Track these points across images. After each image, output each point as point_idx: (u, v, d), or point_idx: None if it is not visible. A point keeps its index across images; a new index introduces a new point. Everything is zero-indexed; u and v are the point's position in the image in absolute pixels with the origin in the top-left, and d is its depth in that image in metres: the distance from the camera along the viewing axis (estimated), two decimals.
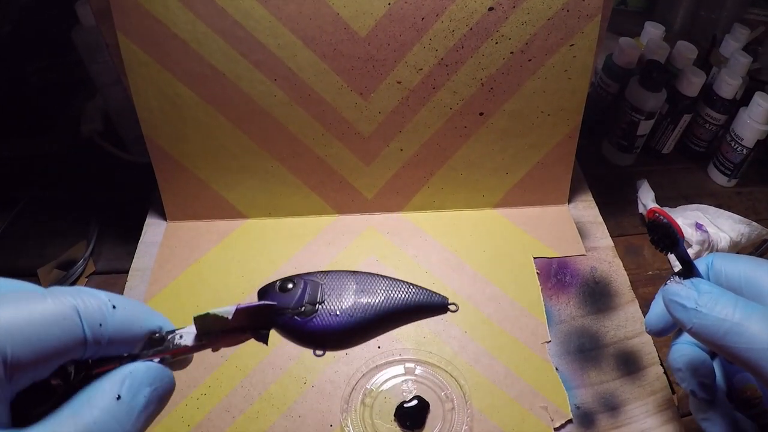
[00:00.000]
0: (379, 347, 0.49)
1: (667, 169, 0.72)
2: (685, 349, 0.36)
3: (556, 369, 0.49)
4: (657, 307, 0.37)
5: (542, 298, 0.54)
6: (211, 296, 0.53)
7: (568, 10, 0.51)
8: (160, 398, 0.24)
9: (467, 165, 0.58)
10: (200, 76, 0.52)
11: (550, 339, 0.51)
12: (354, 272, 0.30)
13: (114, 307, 0.23)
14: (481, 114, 0.55)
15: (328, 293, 0.28)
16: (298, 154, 0.56)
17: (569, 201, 0.62)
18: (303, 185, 0.57)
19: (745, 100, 0.67)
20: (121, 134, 0.67)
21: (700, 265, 0.35)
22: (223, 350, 0.49)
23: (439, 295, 0.30)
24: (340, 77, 0.52)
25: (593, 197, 0.64)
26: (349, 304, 0.28)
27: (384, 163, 0.57)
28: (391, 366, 0.48)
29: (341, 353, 0.49)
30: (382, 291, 0.29)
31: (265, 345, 0.27)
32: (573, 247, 0.58)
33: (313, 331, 0.27)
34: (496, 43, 0.52)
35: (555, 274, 0.56)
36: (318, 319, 0.27)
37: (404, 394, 0.46)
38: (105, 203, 0.63)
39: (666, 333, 0.37)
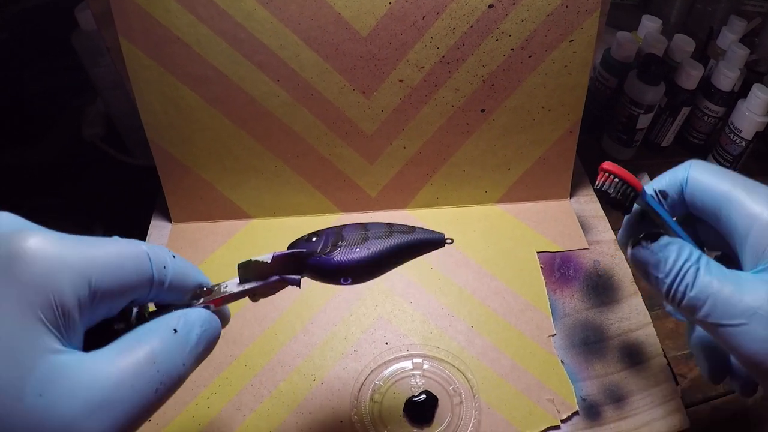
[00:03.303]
0: (386, 343, 0.50)
1: (666, 162, 0.73)
2: (699, 330, 0.36)
3: (562, 362, 0.50)
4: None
5: (546, 292, 0.54)
6: None
7: (567, 6, 0.51)
8: (209, 340, 0.27)
9: (469, 161, 0.58)
10: (203, 78, 0.52)
11: (555, 332, 0.52)
12: (364, 223, 0.35)
13: (174, 256, 0.28)
14: (482, 111, 0.55)
15: (347, 237, 0.34)
16: (302, 153, 0.56)
17: (571, 195, 0.63)
18: (307, 184, 0.58)
19: (743, 91, 0.67)
20: (123, 137, 0.67)
21: (677, 175, 0.33)
22: (232, 350, 0.50)
23: (437, 232, 0.36)
24: (342, 77, 0.53)
25: (594, 191, 0.64)
26: (365, 241, 0.34)
27: (387, 161, 0.58)
28: (399, 361, 0.49)
29: (349, 349, 0.50)
30: (390, 230, 0.35)
31: (298, 288, 0.32)
32: (576, 241, 0.58)
33: (337, 264, 0.32)
34: (497, 40, 0.52)
35: (558, 268, 0.56)
36: (340, 254, 0.33)
37: (412, 389, 0.47)
38: (108, 207, 0.63)
39: None
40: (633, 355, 0.51)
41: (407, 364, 0.49)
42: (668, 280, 0.29)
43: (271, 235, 0.58)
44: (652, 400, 0.49)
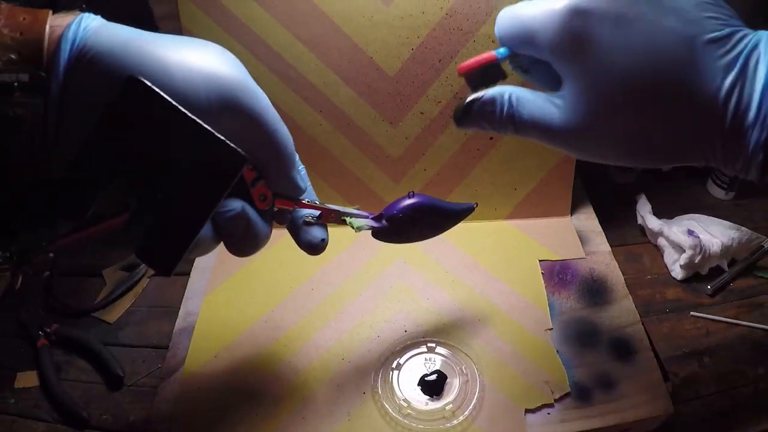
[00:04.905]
0: (405, 331, 0.59)
1: (666, 185, 0.78)
2: None
3: (557, 351, 0.57)
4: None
5: (546, 294, 0.62)
6: (263, 290, 0.63)
7: None
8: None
9: (481, 182, 0.68)
10: None
11: (552, 327, 0.59)
12: None
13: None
14: (490, 138, 0.65)
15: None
16: (339, 173, 0.67)
17: (571, 213, 0.71)
18: (343, 200, 0.68)
19: None
20: None
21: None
22: (274, 333, 0.59)
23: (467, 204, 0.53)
24: (374, 109, 0.64)
25: (597, 213, 0.72)
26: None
27: (410, 182, 0.68)
28: (415, 346, 0.57)
29: (373, 334, 0.58)
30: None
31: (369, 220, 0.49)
32: (574, 251, 0.66)
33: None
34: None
35: (557, 273, 0.64)
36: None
37: (427, 368, 0.55)
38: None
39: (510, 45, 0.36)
40: (622, 348, 0.58)
41: (423, 348, 0.57)
42: (499, 132, 0.36)
43: None
44: (639, 386, 0.55)
